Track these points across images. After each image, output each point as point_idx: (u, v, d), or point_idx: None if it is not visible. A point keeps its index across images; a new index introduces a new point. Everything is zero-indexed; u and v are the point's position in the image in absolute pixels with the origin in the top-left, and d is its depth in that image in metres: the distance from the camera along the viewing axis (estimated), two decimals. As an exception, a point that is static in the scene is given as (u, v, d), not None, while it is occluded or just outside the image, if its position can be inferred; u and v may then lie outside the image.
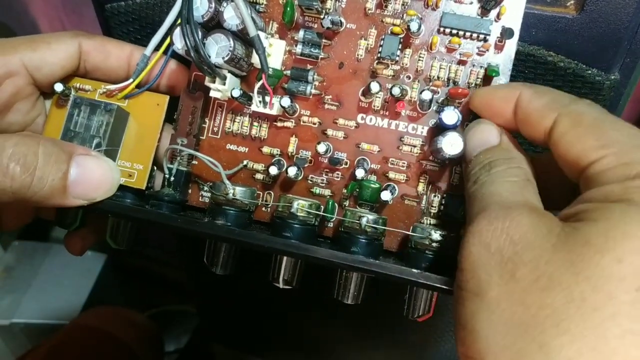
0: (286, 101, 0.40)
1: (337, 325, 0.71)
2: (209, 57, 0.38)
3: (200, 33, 0.38)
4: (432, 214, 0.41)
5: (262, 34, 0.41)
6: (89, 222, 0.46)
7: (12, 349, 1.06)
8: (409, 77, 0.41)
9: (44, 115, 0.43)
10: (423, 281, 0.33)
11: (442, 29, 0.40)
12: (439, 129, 0.40)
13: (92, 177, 0.36)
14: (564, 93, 0.32)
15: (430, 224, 0.41)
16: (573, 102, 0.31)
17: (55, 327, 1.04)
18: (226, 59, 0.38)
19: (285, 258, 0.39)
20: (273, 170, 0.40)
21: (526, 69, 0.41)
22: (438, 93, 0.41)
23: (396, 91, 0.39)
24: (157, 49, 0.43)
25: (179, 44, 0.38)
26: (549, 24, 0.40)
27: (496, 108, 0.35)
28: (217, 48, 0.38)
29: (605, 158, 0.27)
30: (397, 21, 0.41)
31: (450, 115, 0.38)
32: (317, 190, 0.42)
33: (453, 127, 0.38)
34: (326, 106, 0.42)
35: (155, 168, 0.45)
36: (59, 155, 0.35)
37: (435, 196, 0.41)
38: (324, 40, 0.42)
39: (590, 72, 0.40)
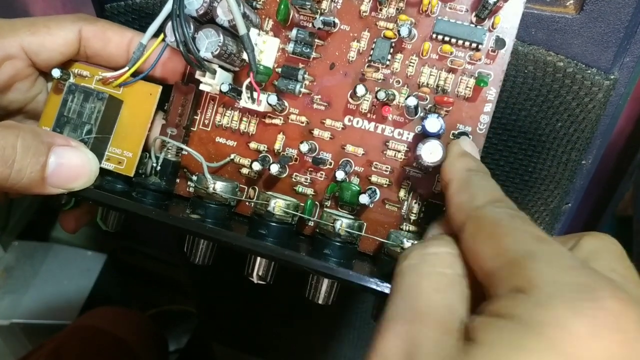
0: (273, 99, 0.40)
1: (338, 325, 0.71)
2: (198, 51, 0.39)
3: (192, 27, 0.39)
4: (411, 220, 0.41)
5: (254, 32, 0.41)
6: (83, 203, 0.48)
7: (12, 349, 1.06)
8: (398, 82, 0.41)
9: (45, 92, 0.44)
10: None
11: (435, 36, 0.40)
12: (424, 136, 0.39)
13: (71, 168, 0.37)
14: (483, 189, 0.31)
15: (409, 230, 0.41)
16: (484, 204, 0.29)
17: (55, 327, 1.04)
18: (215, 53, 0.39)
19: (260, 254, 0.40)
20: (256, 166, 0.41)
21: (525, 70, 0.41)
22: (426, 100, 0.41)
23: (381, 95, 0.39)
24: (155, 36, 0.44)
25: (171, 37, 0.39)
26: (549, 23, 0.40)
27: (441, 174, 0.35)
28: (207, 43, 0.39)
29: (498, 269, 0.26)
30: (391, 25, 0.41)
31: (433, 123, 0.38)
32: (300, 188, 0.43)
33: (436, 135, 0.38)
34: (315, 106, 0.42)
35: (148, 155, 0.46)
36: (37, 148, 0.36)
37: (416, 203, 0.41)
38: (316, 40, 0.42)
39: (589, 72, 0.40)
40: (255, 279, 0.40)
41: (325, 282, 0.39)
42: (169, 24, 0.39)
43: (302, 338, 0.75)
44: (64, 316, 1.05)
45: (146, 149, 0.45)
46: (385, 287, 0.33)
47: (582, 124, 0.41)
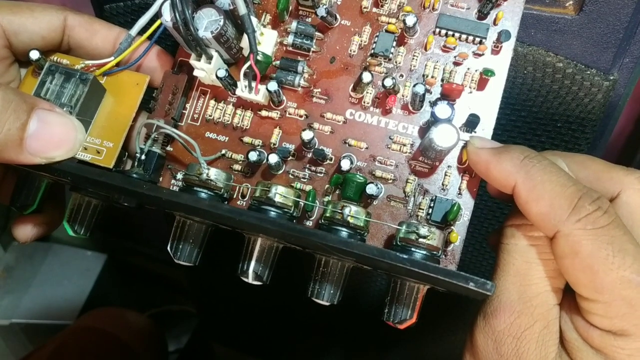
0: (273, 85, 0.38)
1: (338, 325, 0.68)
2: (197, 30, 0.37)
3: (190, 8, 0.37)
4: (418, 217, 0.38)
5: (253, 20, 0.40)
6: (47, 209, 0.42)
7: (12, 349, 1.07)
8: (401, 76, 0.40)
9: (18, 82, 0.40)
10: (409, 267, 0.29)
11: (438, 30, 0.40)
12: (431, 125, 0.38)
13: (54, 133, 0.33)
14: (563, 190, 0.30)
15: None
16: (572, 215, 0.29)
17: (55, 327, 1.05)
18: (215, 33, 0.36)
19: (257, 247, 0.36)
20: (252, 156, 0.38)
21: (525, 70, 0.40)
22: (431, 93, 0.39)
23: (388, 82, 0.37)
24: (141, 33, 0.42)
25: (167, 16, 0.37)
26: (548, 24, 0.40)
27: (491, 180, 0.34)
28: (207, 22, 0.37)
29: (594, 303, 0.28)
30: (393, 20, 0.40)
31: (444, 110, 0.36)
32: (298, 185, 0.39)
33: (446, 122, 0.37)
34: (314, 99, 0.40)
35: (127, 154, 0.42)
36: (19, 104, 0.32)
37: (423, 199, 0.38)
38: (316, 33, 0.41)
39: (589, 72, 0.39)
40: (250, 278, 0.36)
41: (331, 280, 0.35)
42: (167, 2, 0.37)
43: (302, 338, 0.74)
44: (64, 316, 1.06)
45: (125, 147, 0.41)
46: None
47: (582, 125, 0.41)
